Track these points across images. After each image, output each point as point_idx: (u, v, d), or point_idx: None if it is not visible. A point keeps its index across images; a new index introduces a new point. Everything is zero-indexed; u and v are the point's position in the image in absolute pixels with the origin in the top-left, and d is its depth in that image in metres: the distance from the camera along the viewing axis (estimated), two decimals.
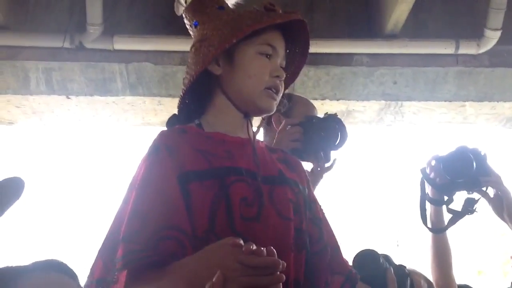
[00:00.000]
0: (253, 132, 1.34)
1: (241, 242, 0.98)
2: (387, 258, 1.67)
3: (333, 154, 1.92)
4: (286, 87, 1.45)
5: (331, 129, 1.87)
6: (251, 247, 0.96)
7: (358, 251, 1.65)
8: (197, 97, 1.36)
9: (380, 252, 1.68)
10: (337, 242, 1.39)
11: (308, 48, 1.41)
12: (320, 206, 1.41)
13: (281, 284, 0.99)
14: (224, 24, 1.30)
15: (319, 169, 1.88)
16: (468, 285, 2.62)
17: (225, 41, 1.27)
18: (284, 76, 1.34)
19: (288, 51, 1.40)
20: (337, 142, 1.88)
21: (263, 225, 1.19)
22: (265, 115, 1.38)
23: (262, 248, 0.97)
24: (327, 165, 1.92)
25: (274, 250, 0.99)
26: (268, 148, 1.40)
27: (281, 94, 1.35)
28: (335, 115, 1.92)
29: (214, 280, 0.95)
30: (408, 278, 1.70)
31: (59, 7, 3.11)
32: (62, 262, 1.22)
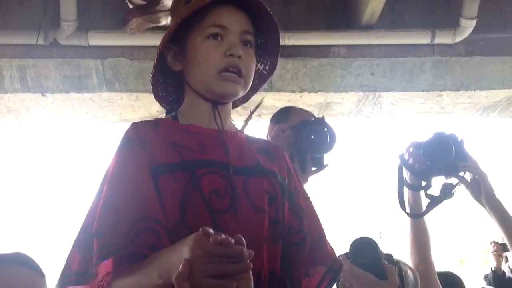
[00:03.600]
0: (221, 121, 1.29)
1: (211, 231, 0.97)
2: (378, 247, 1.67)
3: (325, 157, 1.93)
4: (270, 73, 1.41)
5: (321, 133, 1.88)
6: (219, 237, 0.95)
7: (355, 238, 1.65)
8: (173, 93, 1.38)
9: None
10: (321, 232, 1.36)
11: (275, 26, 1.34)
12: (304, 195, 1.38)
13: (251, 273, 0.99)
14: (176, 19, 1.30)
15: (304, 172, 1.88)
16: (451, 272, 2.65)
17: (167, 35, 1.28)
18: (240, 53, 1.26)
19: (262, 39, 1.37)
20: (327, 145, 1.88)
21: (235, 217, 1.17)
22: (231, 100, 1.33)
23: (230, 238, 0.96)
24: (314, 169, 1.92)
25: (243, 238, 0.98)
26: (249, 139, 1.37)
27: (247, 72, 1.28)
28: (323, 118, 1.92)
29: (180, 268, 0.95)
30: (397, 266, 1.70)
31: (32, 3, 3.06)
32: (26, 255, 1.20)
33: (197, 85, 1.30)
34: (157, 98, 1.40)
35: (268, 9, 1.31)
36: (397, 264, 1.71)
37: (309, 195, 1.41)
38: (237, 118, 2.14)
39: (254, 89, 1.41)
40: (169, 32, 1.28)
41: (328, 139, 1.88)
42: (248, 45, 1.30)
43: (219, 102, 1.30)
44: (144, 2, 1.47)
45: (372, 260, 1.56)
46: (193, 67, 1.28)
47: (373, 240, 1.65)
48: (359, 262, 1.51)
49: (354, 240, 1.64)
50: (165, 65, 1.34)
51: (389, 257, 1.68)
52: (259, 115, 3.38)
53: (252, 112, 1.46)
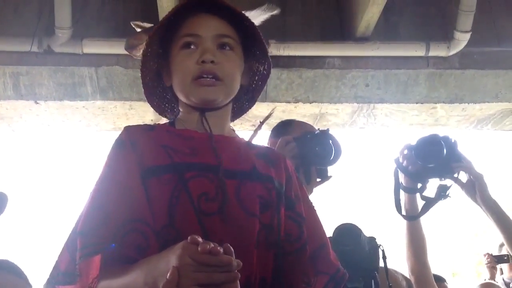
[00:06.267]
0: (209, 126, 1.29)
1: (199, 239, 0.97)
2: (362, 232, 1.65)
3: (330, 169, 1.93)
4: (269, 71, 1.39)
5: (325, 145, 1.87)
6: (208, 246, 0.95)
7: (339, 224, 1.62)
8: (172, 103, 1.40)
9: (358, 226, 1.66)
10: (324, 240, 1.34)
11: (252, 24, 1.32)
12: (307, 203, 1.37)
13: (238, 283, 0.98)
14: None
15: (309, 183, 1.87)
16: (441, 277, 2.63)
17: (143, 57, 1.31)
18: (212, 58, 1.24)
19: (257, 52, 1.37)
20: (332, 157, 1.88)
21: (224, 220, 1.17)
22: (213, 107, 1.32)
23: (219, 247, 0.95)
24: (318, 180, 1.91)
25: (231, 248, 0.98)
26: (248, 144, 1.37)
27: (226, 75, 1.27)
28: (328, 130, 1.92)
29: (168, 276, 0.94)
30: (380, 248, 1.69)
31: (27, 10, 3.05)
32: (11, 262, 1.20)
33: (180, 95, 1.31)
34: (159, 110, 1.42)
35: (237, 9, 1.31)
36: (380, 246, 1.70)
37: (312, 204, 1.40)
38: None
39: (258, 91, 1.42)
40: (143, 55, 1.31)
41: (333, 152, 1.87)
42: (227, 48, 1.29)
43: (204, 109, 1.30)
44: (151, 25, 1.48)
45: (354, 247, 1.55)
46: (174, 78, 1.31)
47: (357, 227, 1.63)
48: (341, 249, 1.49)
49: (337, 227, 1.62)
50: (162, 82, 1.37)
51: (372, 240, 1.67)
52: (254, 125, 3.37)
53: (262, 123, 1.47)
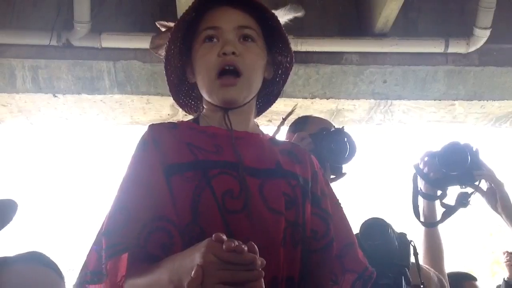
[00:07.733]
0: (230, 124, 1.28)
1: (224, 237, 0.96)
2: (391, 226, 1.63)
3: (344, 167, 1.93)
4: (291, 63, 1.38)
5: (341, 142, 1.87)
6: (232, 244, 0.94)
7: (366, 219, 1.60)
8: (198, 100, 1.39)
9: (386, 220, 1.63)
10: (352, 239, 1.32)
11: (272, 14, 1.30)
12: (334, 200, 1.35)
13: (263, 281, 0.97)
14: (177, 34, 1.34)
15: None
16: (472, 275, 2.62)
17: (166, 53, 1.31)
18: (232, 50, 1.23)
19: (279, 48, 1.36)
20: (347, 155, 1.88)
21: (249, 218, 1.16)
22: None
23: (243, 245, 0.95)
24: (332, 176, 1.91)
25: (256, 246, 0.97)
26: (272, 140, 1.35)
27: (247, 68, 1.25)
28: (343, 128, 1.92)
29: (192, 274, 0.94)
30: (411, 244, 1.66)
31: (46, 4, 3.07)
32: (44, 254, 1.21)
33: (203, 92, 1.31)
34: (185, 108, 1.42)
35: (257, 1, 1.29)
36: (410, 242, 1.67)
37: (339, 201, 1.38)
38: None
39: (281, 84, 1.41)
40: (166, 52, 1.30)
41: (348, 150, 1.87)
42: (249, 40, 1.28)
43: (227, 107, 1.29)
44: None
45: (383, 242, 1.52)
46: (197, 75, 1.30)
47: (384, 221, 1.60)
48: (369, 244, 1.46)
49: (365, 221, 1.60)
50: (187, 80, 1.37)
51: (402, 236, 1.64)
52: (270, 120, 3.37)
53: (284, 119, 1.46)
